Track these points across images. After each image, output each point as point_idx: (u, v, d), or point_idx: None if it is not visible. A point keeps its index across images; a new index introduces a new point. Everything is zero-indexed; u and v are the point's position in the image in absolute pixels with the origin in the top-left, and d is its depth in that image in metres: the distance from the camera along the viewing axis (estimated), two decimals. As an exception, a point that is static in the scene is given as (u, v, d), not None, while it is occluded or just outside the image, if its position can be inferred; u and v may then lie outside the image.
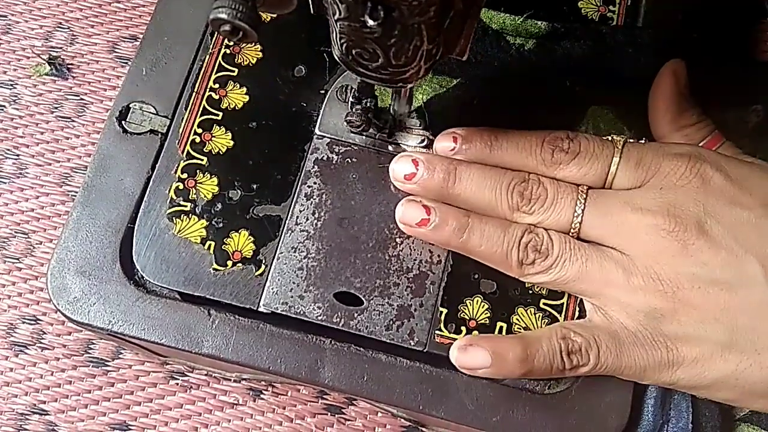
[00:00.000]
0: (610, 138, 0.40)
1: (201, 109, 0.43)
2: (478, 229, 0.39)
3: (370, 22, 0.28)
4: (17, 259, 0.49)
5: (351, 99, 0.40)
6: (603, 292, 0.38)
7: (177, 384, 0.47)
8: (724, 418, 0.41)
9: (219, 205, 0.41)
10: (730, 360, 0.37)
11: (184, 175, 0.42)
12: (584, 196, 0.39)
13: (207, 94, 0.43)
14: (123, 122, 0.43)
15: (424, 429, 0.47)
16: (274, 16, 0.44)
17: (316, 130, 0.43)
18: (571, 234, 0.39)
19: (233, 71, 0.44)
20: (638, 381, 0.39)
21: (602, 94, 0.44)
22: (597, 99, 0.44)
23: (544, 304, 0.40)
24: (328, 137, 0.42)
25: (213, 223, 0.41)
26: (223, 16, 0.29)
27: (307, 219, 0.41)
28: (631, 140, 0.40)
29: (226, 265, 0.40)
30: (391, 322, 0.40)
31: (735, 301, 0.36)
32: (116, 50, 0.53)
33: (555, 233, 0.39)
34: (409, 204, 0.40)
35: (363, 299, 0.40)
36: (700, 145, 0.41)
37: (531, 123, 0.41)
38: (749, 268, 0.36)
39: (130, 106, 0.43)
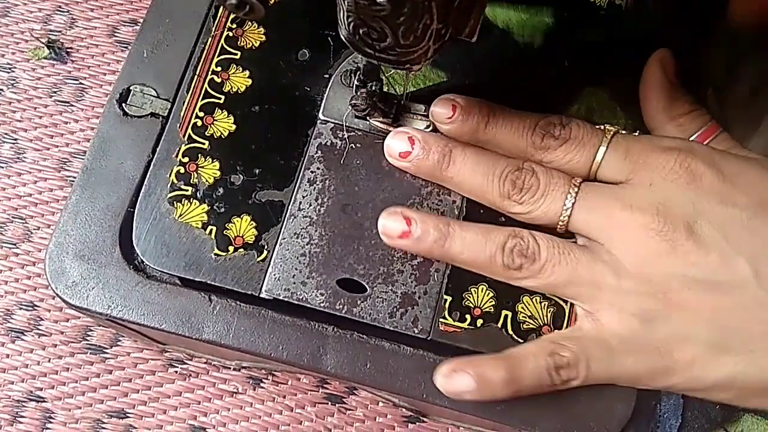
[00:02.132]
0: (602, 127, 0.39)
1: (203, 92, 0.42)
2: (459, 237, 0.38)
3: (380, -1, 0.28)
4: (14, 244, 0.49)
5: (356, 82, 0.39)
6: (594, 295, 0.38)
7: (176, 372, 0.47)
8: (723, 406, 0.41)
9: (221, 190, 0.40)
10: (726, 362, 0.36)
11: (186, 159, 0.41)
12: (576, 189, 0.38)
13: (209, 77, 0.42)
14: (123, 105, 0.42)
15: (425, 418, 0.46)
16: (279, -3, 0.43)
17: (320, 115, 0.42)
18: (558, 227, 0.38)
19: (236, 54, 0.43)
20: (635, 387, 0.38)
21: (600, 75, 0.43)
22: (594, 80, 0.43)
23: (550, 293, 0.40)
24: (332, 122, 0.42)
25: (214, 207, 0.40)
26: (229, -10, 0.28)
27: (310, 205, 0.40)
28: (624, 132, 0.40)
29: (228, 251, 0.39)
30: (395, 310, 0.39)
31: (725, 302, 0.36)
32: (116, 34, 0.53)
33: (540, 236, 0.38)
34: (390, 216, 0.39)
35: (366, 286, 0.39)
36: (696, 135, 0.40)
37: (525, 104, 0.40)
38: (739, 269, 0.36)
39: (131, 88, 0.42)
